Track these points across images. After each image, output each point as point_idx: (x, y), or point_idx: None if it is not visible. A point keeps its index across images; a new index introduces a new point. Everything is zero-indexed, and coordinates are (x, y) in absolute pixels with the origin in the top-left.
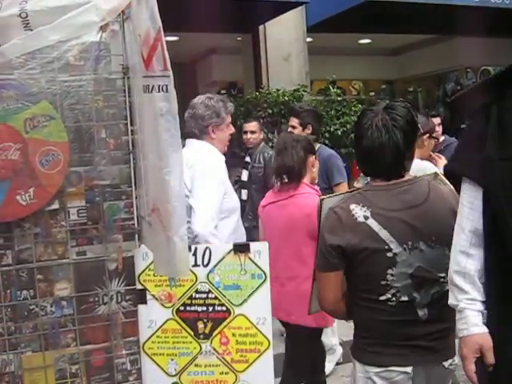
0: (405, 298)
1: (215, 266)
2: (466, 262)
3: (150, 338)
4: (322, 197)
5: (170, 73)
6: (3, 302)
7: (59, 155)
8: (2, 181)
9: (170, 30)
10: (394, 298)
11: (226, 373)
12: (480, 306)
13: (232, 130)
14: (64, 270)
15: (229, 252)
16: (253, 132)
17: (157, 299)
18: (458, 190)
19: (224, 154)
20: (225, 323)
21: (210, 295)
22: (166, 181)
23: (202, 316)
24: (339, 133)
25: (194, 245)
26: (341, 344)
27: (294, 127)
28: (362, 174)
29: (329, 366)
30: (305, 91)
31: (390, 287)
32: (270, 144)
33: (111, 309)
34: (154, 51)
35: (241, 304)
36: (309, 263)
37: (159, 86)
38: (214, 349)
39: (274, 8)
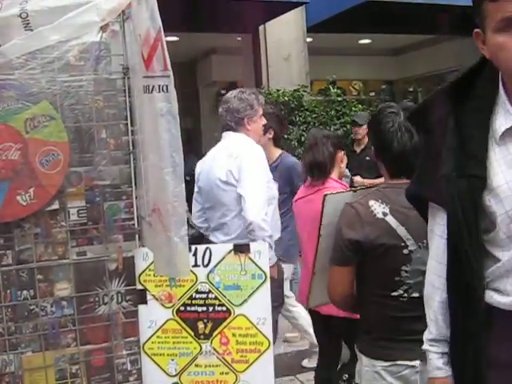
0: (416, 295)
1: (215, 266)
2: (432, 295)
3: (150, 338)
4: (326, 193)
5: (171, 73)
6: (3, 302)
7: (59, 155)
8: (2, 181)
9: (170, 30)
10: (405, 294)
11: (227, 373)
12: (443, 348)
13: (264, 121)
14: (64, 270)
15: (229, 252)
16: None
17: (157, 299)
18: (423, 214)
19: None
20: (225, 323)
21: (210, 295)
22: (166, 181)
23: (203, 316)
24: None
25: (249, 239)
26: None
27: None
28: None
29: None
30: (305, 91)
31: (402, 283)
32: None
33: (111, 309)
34: (155, 51)
35: (241, 304)
36: None
37: (159, 86)
38: (215, 349)
39: (274, 8)
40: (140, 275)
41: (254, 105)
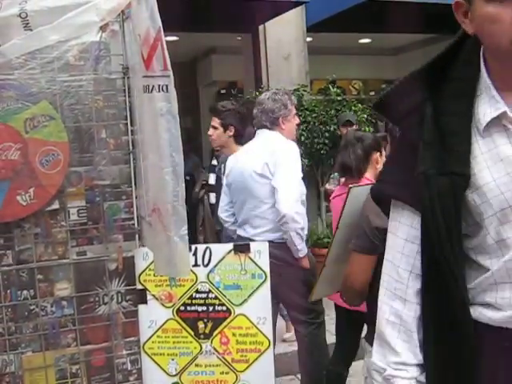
0: None
1: (215, 265)
2: (402, 310)
3: (150, 337)
4: (351, 185)
5: (170, 73)
6: (3, 302)
7: (59, 155)
8: (2, 181)
9: (170, 30)
10: None
11: (227, 372)
12: (415, 372)
13: (297, 120)
14: (64, 270)
15: (229, 252)
16: (215, 128)
17: (157, 299)
18: (387, 215)
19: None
20: (225, 323)
21: (211, 295)
22: (166, 181)
23: (203, 316)
24: (339, 132)
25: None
26: None
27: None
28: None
29: None
30: (305, 91)
31: None
32: None
33: (111, 309)
34: (154, 51)
35: (241, 304)
36: None
37: (159, 85)
38: (215, 348)
39: (274, 8)
40: (140, 275)
41: (287, 105)
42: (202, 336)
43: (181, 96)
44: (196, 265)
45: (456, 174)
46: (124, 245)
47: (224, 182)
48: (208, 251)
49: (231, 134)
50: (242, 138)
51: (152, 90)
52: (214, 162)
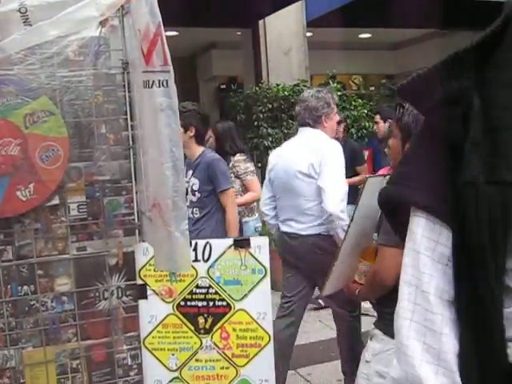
0: None
1: (215, 261)
2: (440, 346)
3: (150, 333)
4: (367, 176)
5: (170, 68)
6: (4, 297)
7: (59, 151)
8: (2, 176)
9: (170, 25)
10: None
11: (227, 367)
12: None
13: (337, 118)
14: (64, 265)
15: (229, 247)
16: None
17: (157, 294)
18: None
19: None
20: (225, 318)
21: (211, 290)
22: (166, 176)
23: (203, 311)
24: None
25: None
26: None
27: None
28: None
29: None
30: (305, 86)
31: None
32: (270, 139)
33: (112, 304)
34: (154, 46)
35: (241, 299)
36: None
37: (159, 80)
38: (215, 344)
39: (274, 2)
40: (140, 270)
41: (330, 103)
42: (202, 331)
43: (181, 91)
44: (196, 260)
45: (508, 183)
46: (124, 240)
47: (266, 176)
48: (208, 246)
49: (192, 134)
50: (202, 139)
51: (152, 85)
52: None
